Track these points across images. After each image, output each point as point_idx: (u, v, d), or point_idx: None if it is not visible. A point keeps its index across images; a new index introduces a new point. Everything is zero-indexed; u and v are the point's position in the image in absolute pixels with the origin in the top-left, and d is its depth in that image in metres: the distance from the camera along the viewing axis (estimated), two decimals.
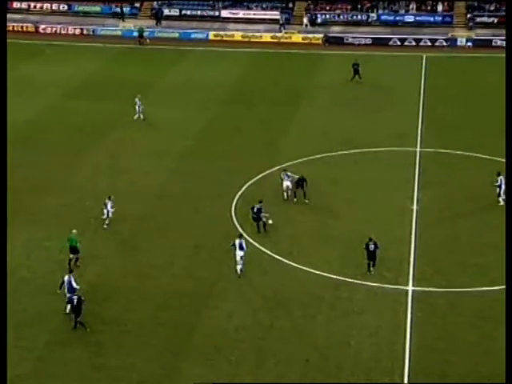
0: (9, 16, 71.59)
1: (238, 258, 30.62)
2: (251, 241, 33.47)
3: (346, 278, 30.67)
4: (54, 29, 70.78)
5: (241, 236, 31.41)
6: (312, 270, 31.17)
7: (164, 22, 72.70)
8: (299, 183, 36.65)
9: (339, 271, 31.05)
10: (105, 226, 34.38)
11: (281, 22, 70.69)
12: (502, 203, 35.56)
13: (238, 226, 34.71)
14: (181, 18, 73.03)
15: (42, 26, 70.87)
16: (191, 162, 41.65)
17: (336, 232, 34.41)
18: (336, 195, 37.83)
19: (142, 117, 47.56)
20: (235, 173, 40.22)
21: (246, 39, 69.12)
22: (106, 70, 58.79)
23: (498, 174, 35.78)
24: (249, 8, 73.17)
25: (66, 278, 28.38)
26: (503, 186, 35.45)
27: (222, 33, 70.29)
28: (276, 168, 40.68)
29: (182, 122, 48.26)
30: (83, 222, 34.84)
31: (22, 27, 70.72)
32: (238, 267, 30.73)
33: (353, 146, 43.39)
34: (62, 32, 70.65)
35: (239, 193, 38.05)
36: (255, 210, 34.11)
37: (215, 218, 35.66)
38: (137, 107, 47.54)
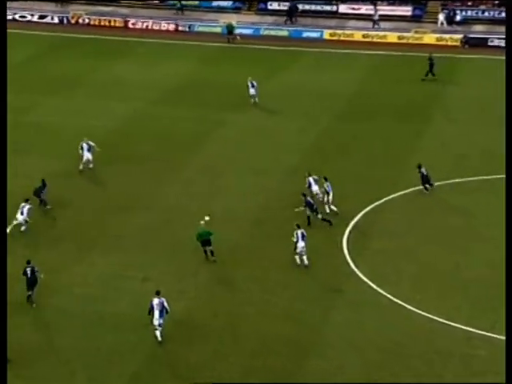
0: (96, 9, 75.12)
1: (299, 249, 33.89)
2: (366, 280, 33.32)
3: (481, 330, 30.00)
4: (145, 24, 73.17)
5: (299, 226, 34.16)
6: (439, 319, 30.66)
7: (271, 18, 73.80)
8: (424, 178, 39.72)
9: (473, 322, 30.42)
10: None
11: (375, 18, 70.51)
12: None
13: (349, 261, 34.65)
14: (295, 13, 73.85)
15: (132, 21, 73.39)
16: (297, 182, 41.87)
17: (469, 274, 33.76)
18: (469, 229, 37.17)
19: (254, 101, 52.20)
20: (349, 197, 40.13)
21: (368, 39, 69.18)
22: (202, 72, 60.15)
23: None
24: (373, 3, 73.23)
25: (156, 300, 29.27)
26: None
27: (339, 31, 70.64)
28: (399, 193, 40.37)
29: (288, 134, 48.70)
30: (170, 249, 35.67)
31: (109, 22, 73.49)
32: (304, 257, 33.81)
33: (495, 171, 42.48)
34: (155, 28, 72.93)
35: (353, 221, 37.95)
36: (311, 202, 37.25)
37: (323, 251, 35.68)
38: (251, 90, 51.52)
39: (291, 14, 72.50)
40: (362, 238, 36.86)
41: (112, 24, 73.34)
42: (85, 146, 42.76)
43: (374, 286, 32.94)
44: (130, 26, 73.13)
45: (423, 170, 40.30)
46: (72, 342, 29.45)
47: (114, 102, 53.46)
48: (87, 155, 42.69)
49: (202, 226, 34.58)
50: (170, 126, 50.00)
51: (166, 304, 29.41)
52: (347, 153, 46.18)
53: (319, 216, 37.32)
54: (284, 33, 71.20)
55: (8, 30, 68.94)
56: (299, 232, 34.14)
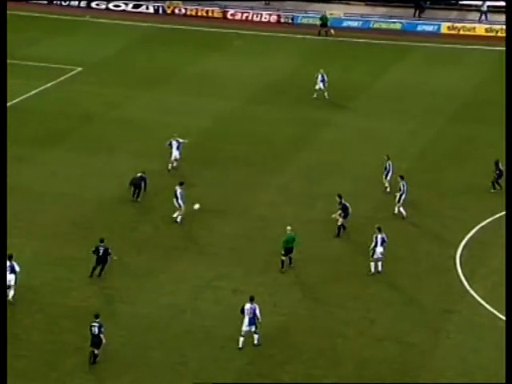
0: None
1: (377, 255, 34.22)
2: (481, 301, 32.66)
3: None
4: (245, 15, 73.66)
5: (380, 229, 34.17)
6: None
7: (382, 10, 73.26)
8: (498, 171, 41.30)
9: None
10: None
11: (483, 8, 69.06)
12: None
13: (463, 279, 34.02)
14: (405, 4, 73.13)
15: (231, 11, 73.97)
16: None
17: None
18: None
19: (319, 95, 52.59)
20: (464, 209, 39.48)
21: (492, 34, 67.84)
22: (304, 68, 59.97)
23: None
24: None
25: (248, 305, 29.68)
26: None
27: (458, 25, 69.56)
28: None
29: (395, 138, 48.18)
30: (263, 260, 35.71)
31: (207, 12, 74.27)
32: (379, 264, 34.28)
33: None
34: (255, 19, 73.32)
35: (468, 236, 37.26)
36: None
37: (434, 267, 35.15)
38: (319, 85, 52.75)
39: (420, 6, 71.37)
40: (479, 253, 36.13)
41: (210, 14, 74.07)
42: (174, 143, 43.29)
43: (491, 308, 32.21)
44: (229, 16, 73.71)
45: (501, 166, 41.27)
46: (159, 355, 29.73)
47: (208, 99, 53.91)
48: (175, 153, 43.21)
49: (289, 233, 34.79)
50: (267, 126, 50.11)
51: (257, 312, 29.72)
52: (462, 160, 45.39)
53: (342, 220, 37.27)
54: (396, 26, 70.55)
55: (102, 20, 71.37)
56: (379, 236, 34.18)
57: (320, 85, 52.96)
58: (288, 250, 34.72)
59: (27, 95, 54.00)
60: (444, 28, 69.49)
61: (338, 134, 49.01)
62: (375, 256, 34.31)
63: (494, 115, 51.07)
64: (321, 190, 41.95)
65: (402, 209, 38.80)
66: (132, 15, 73.82)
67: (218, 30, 69.64)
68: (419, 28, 69.97)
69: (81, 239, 36.73)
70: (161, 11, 75.07)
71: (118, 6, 75.68)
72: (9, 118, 50.66)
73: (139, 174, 40.22)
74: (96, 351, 28.88)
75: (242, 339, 29.83)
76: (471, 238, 37.22)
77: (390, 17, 71.85)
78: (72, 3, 76.04)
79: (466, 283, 33.79)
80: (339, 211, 37.16)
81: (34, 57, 60.93)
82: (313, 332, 31.19)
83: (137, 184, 40.04)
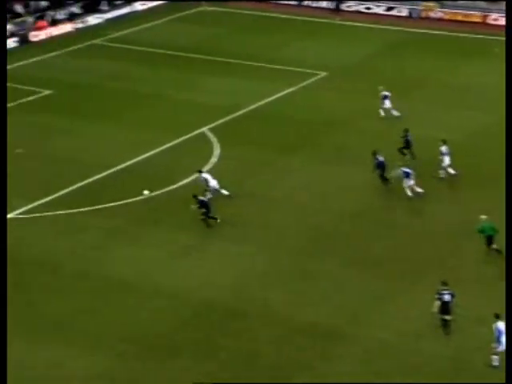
0: (450, 2, 74.43)
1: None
2: None
3: None
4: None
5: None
6: None
7: None
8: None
9: None
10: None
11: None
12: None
13: None
14: None
15: (493, 16, 71.91)
16: None
17: None
18: None
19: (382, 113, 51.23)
20: None
21: None
22: None
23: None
24: None
25: (501, 323, 29.01)
26: None
27: None
28: None
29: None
30: None
31: (466, 16, 72.61)
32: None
33: None
34: None
35: None
36: None
37: None
38: (385, 102, 50.73)
39: None
40: None
41: (468, 19, 72.38)
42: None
43: None
44: (491, 21, 71.65)
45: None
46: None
47: (461, 111, 52.16)
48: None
49: (484, 220, 35.83)
50: None
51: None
52: None
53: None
54: None
55: (352, 23, 71.49)
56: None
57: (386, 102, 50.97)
58: (488, 240, 35.87)
59: (270, 99, 55.01)
60: None
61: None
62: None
63: None
64: None
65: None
66: (383, 18, 73.50)
67: (476, 37, 67.86)
68: None
69: (319, 253, 36.81)
70: (414, 15, 74.27)
71: (370, 9, 75.62)
72: (251, 120, 52.25)
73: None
74: (447, 317, 30.97)
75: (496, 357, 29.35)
76: None
77: None
78: (321, 4, 76.86)
79: None
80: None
81: (278, 60, 62.11)
82: None
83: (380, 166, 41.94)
